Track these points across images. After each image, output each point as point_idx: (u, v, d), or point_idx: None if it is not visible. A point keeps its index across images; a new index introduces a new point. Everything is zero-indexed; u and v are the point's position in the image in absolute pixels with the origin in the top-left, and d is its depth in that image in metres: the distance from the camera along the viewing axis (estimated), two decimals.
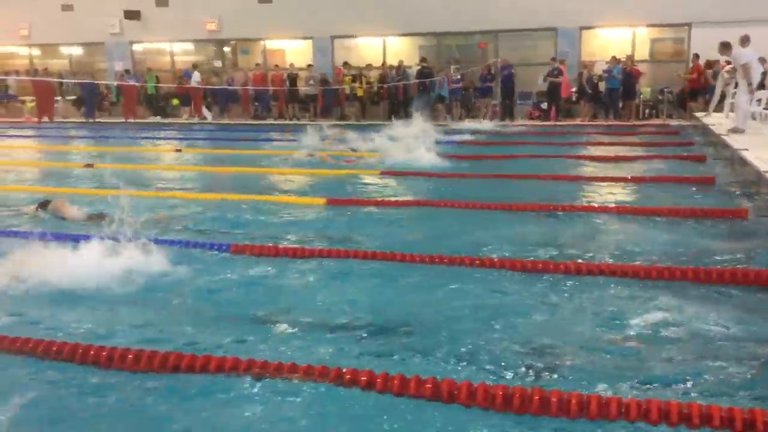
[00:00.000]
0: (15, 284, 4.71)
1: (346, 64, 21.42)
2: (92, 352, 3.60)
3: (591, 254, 5.57)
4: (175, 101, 23.11)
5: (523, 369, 3.52)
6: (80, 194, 8.73)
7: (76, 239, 5.48)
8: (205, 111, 21.46)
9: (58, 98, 22.45)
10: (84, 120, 18.37)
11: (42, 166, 11.73)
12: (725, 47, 12.77)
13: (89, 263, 4.95)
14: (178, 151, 12.20)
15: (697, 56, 18.41)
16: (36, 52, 25.52)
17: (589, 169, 10.86)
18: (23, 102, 23.32)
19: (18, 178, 10.61)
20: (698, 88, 18.40)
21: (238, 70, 23.09)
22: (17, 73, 23.93)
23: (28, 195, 8.94)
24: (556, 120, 19.06)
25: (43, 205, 7.35)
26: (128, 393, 3.33)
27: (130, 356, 3.55)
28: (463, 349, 3.77)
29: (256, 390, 3.29)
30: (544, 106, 19.49)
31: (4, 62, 25.90)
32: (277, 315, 4.35)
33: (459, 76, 20.06)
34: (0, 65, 25.61)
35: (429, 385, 3.18)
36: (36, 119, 17.62)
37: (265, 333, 4.08)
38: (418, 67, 20.21)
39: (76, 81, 20.71)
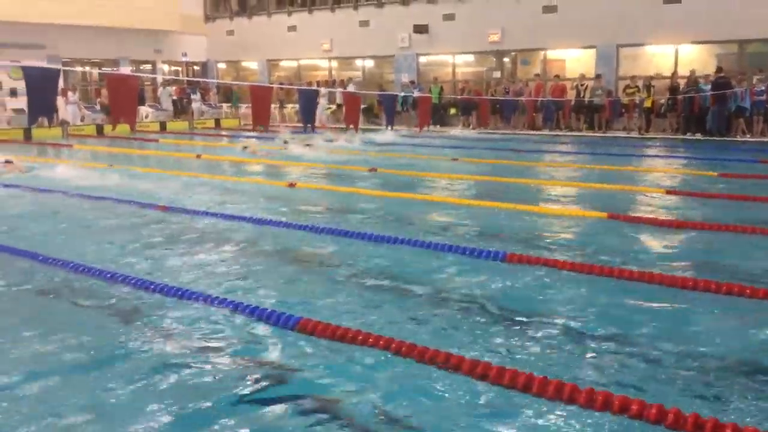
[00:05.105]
0: None
1: (634, 77, 20.20)
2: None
3: None
4: (453, 110, 23.88)
5: None
6: (364, 194, 9.45)
7: None
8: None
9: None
10: (384, 127, 20.09)
11: (336, 168, 12.83)
12: None
13: None
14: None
15: None
16: (334, 64, 28.17)
17: None
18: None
19: (306, 177, 11.72)
20: None
21: (517, 80, 23.12)
22: (318, 83, 26.62)
23: (320, 192, 9.84)
24: None
25: None
26: None
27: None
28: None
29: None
30: None
31: (309, 73, 29.05)
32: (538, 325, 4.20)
33: (763, 87, 17.85)
34: (307, 76, 28.79)
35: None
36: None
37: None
38: (714, 77, 18.40)
39: (381, 93, 22.21)
